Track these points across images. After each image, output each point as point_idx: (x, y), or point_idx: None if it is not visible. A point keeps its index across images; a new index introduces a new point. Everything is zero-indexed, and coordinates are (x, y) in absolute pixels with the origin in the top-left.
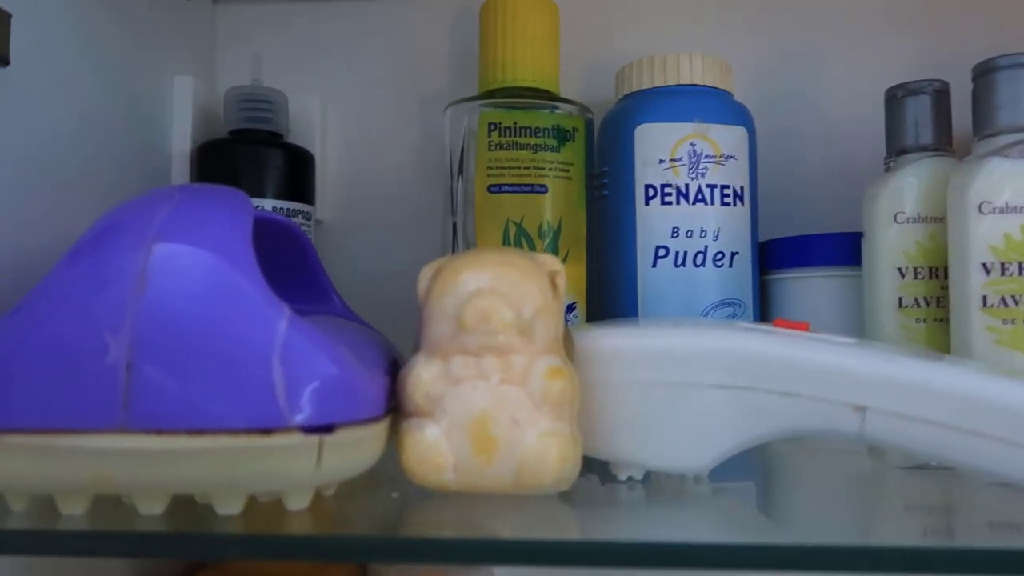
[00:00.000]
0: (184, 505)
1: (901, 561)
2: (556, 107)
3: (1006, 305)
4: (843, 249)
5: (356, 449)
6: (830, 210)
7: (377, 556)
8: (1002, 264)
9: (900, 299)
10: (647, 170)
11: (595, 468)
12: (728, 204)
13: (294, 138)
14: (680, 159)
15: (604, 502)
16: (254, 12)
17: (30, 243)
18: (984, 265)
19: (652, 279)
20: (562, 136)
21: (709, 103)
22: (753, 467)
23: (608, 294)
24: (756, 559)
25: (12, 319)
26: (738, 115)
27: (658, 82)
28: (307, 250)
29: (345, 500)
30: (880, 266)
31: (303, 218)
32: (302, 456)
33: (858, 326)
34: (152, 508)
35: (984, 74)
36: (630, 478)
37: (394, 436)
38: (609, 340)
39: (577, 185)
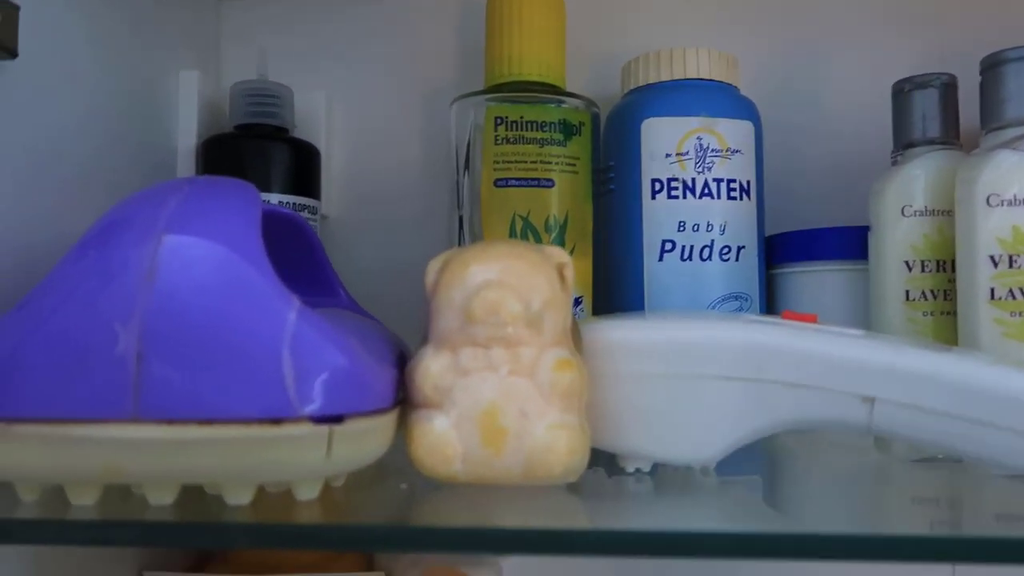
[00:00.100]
0: (194, 496)
1: (906, 549)
2: (562, 101)
3: (1014, 298)
4: (850, 243)
5: (366, 440)
6: (836, 204)
7: (386, 545)
8: (1010, 257)
9: (907, 292)
10: (653, 164)
11: (602, 461)
12: (735, 198)
13: (299, 134)
14: (686, 153)
15: (612, 494)
16: (259, 7)
17: (36, 238)
18: (992, 258)
19: (658, 273)
20: (568, 130)
21: (715, 97)
22: (760, 461)
23: (614, 288)
24: (764, 547)
25: (21, 311)
26: (744, 109)
27: (664, 76)
28: (313, 244)
29: (354, 491)
30: (887, 260)
31: (309, 213)
32: (312, 446)
33: (865, 320)
34: (162, 498)
35: (992, 67)
36: (638, 470)
37: (402, 428)
38: (617, 332)
39: (584, 179)
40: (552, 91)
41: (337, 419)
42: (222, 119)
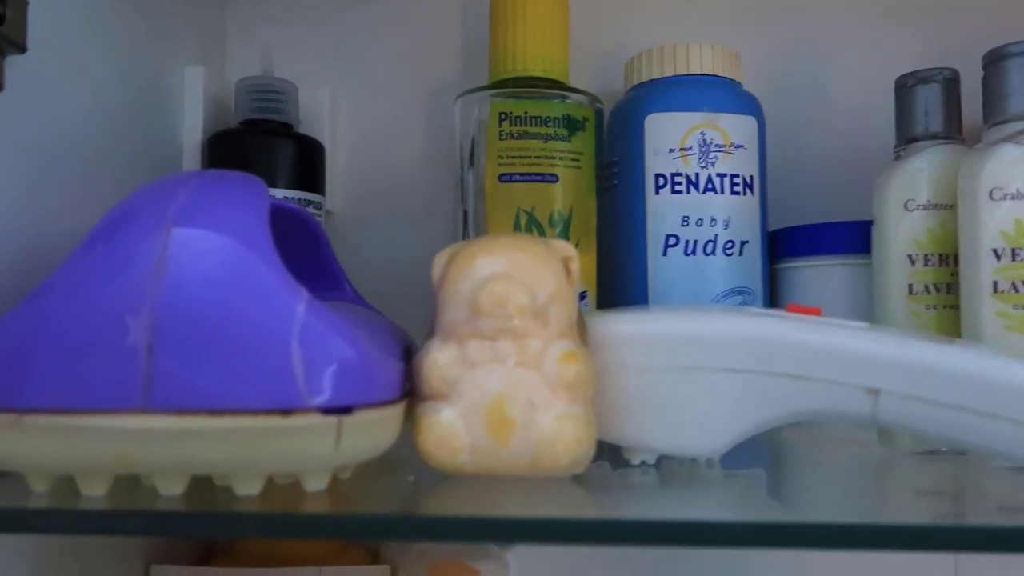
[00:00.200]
0: (203, 487)
1: (909, 539)
2: (566, 97)
3: (1016, 291)
4: (852, 237)
5: (374, 431)
6: (839, 199)
7: (395, 535)
8: (1013, 250)
9: (910, 286)
10: (657, 159)
11: (607, 453)
12: (738, 193)
13: (304, 130)
14: (690, 148)
15: (617, 486)
16: (263, 3)
17: (42, 232)
18: (995, 251)
19: (662, 268)
20: (573, 126)
21: (719, 93)
22: (764, 454)
23: (618, 283)
24: (769, 536)
25: (32, 304)
26: (748, 104)
27: (667, 72)
28: (319, 238)
29: (361, 483)
30: (890, 254)
31: (314, 208)
32: (321, 437)
33: (868, 314)
34: (172, 489)
35: (995, 61)
36: (643, 462)
37: (409, 421)
38: (622, 325)
39: (587, 174)
40: (556, 87)
41: (346, 410)
42: (227, 115)
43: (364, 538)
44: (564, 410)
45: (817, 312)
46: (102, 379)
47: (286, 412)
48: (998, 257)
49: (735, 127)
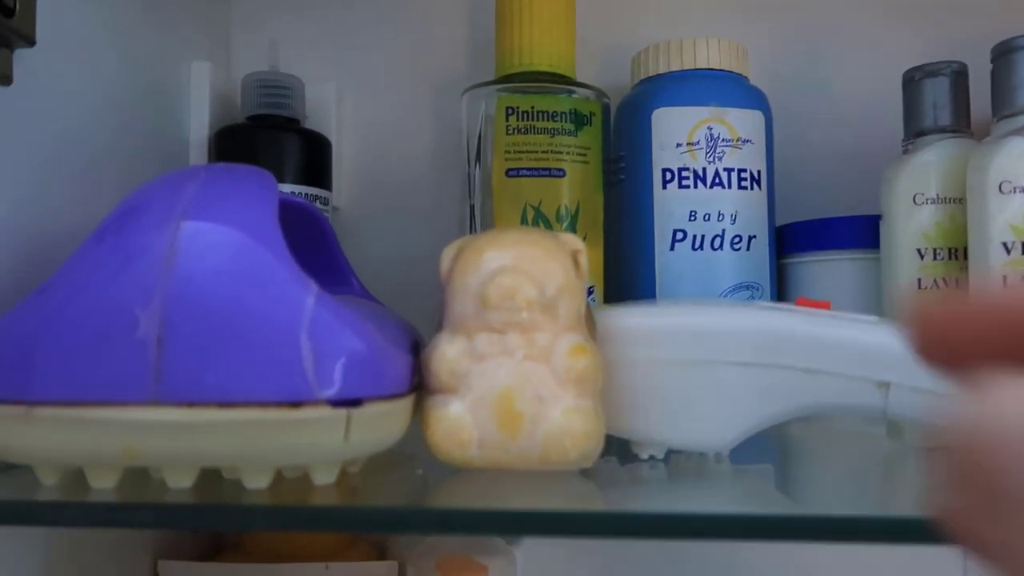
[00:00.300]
0: (212, 481)
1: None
2: (573, 91)
3: None
4: (861, 232)
5: (383, 423)
6: (847, 193)
7: (403, 527)
8: (1022, 243)
9: (919, 280)
10: (664, 154)
11: (615, 448)
12: (745, 188)
13: (310, 126)
14: (697, 143)
15: (625, 480)
16: None
17: (49, 226)
18: (1004, 245)
19: (670, 263)
20: (579, 120)
21: (726, 87)
22: (773, 449)
23: (626, 278)
24: (778, 530)
25: (41, 296)
26: (755, 99)
27: (675, 66)
28: (326, 232)
29: (370, 477)
30: (899, 248)
31: (321, 203)
32: (330, 429)
33: (876, 309)
34: (181, 482)
35: (1003, 54)
36: (651, 457)
37: (417, 414)
38: (631, 319)
39: (594, 169)
40: (563, 81)
41: (355, 403)
42: (233, 110)
43: (373, 531)
44: (573, 404)
45: (826, 306)
46: (112, 371)
47: (295, 404)
48: (1008, 251)
49: (742, 122)
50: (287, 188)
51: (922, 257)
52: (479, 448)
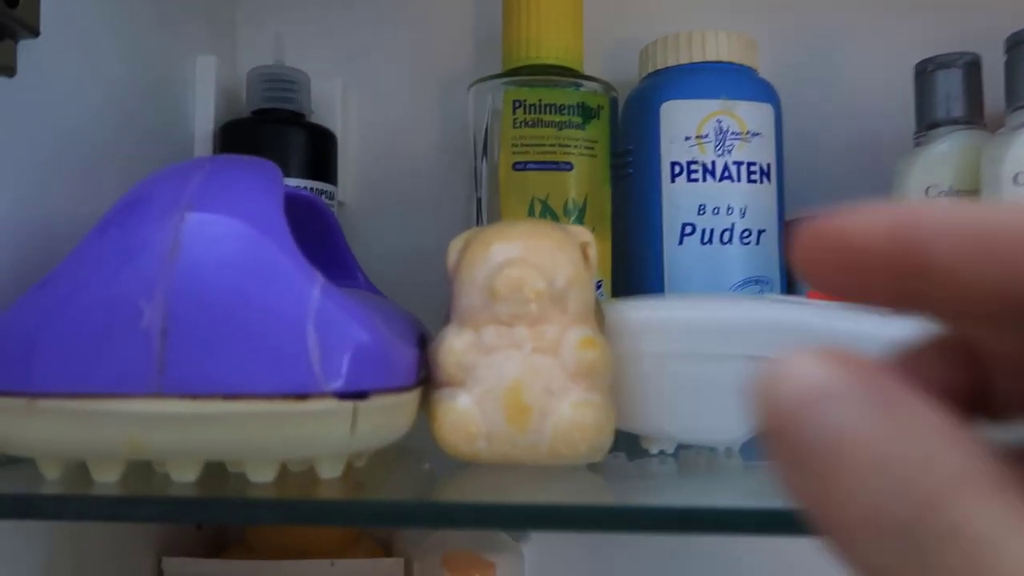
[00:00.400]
0: (216, 475)
1: None
2: (581, 84)
3: None
4: None
5: (390, 416)
6: (857, 186)
7: (410, 521)
8: None
9: None
10: (673, 147)
11: (625, 443)
12: (755, 181)
13: (315, 120)
14: (706, 136)
15: (635, 475)
16: None
17: (53, 219)
18: None
19: (678, 257)
20: (587, 113)
21: (735, 80)
22: None
23: (634, 272)
24: (788, 525)
25: (45, 288)
26: (764, 92)
27: (683, 59)
28: (332, 226)
29: (376, 471)
30: None
31: (326, 198)
32: (336, 422)
33: None
34: (185, 475)
35: (1017, 45)
36: (661, 452)
37: (424, 408)
38: (640, 312)
39: (602, 163)
40: (570, 74)
41: (362, 395)
42: (239, 105)
43: (379, 524)
44: (582, 397)
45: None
46: (115, 363)
47: (301, 397)
48: None
49: (752, 115)
50: (292, 183)
51: None
52: (487, 441)
